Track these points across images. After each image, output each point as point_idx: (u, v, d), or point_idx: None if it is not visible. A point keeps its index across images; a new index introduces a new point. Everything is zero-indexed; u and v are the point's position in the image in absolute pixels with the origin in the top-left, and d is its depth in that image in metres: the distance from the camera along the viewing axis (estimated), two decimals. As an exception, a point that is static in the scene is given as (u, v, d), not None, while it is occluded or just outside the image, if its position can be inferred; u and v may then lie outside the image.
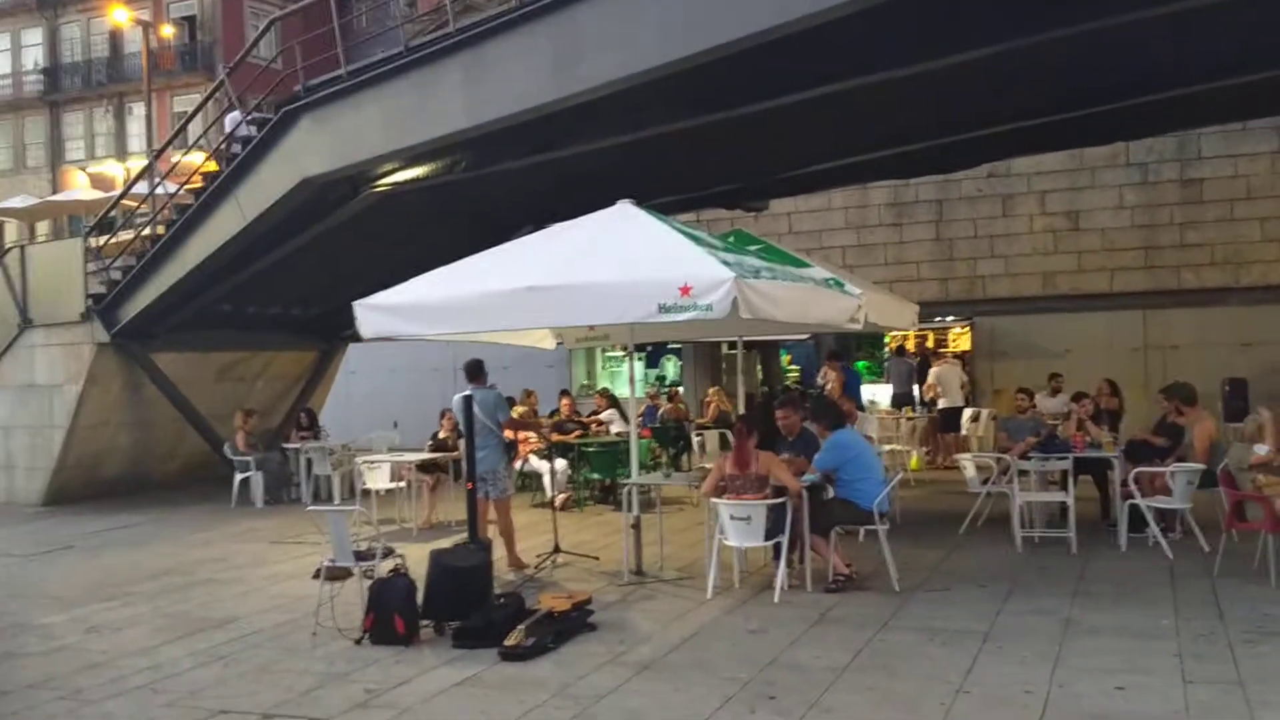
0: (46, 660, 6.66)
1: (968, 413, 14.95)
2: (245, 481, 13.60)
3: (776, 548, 7.61)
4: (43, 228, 35.89)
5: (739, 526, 7.48)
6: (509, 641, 6.18)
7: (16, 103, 38.86)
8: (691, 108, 10.36)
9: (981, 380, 17.13)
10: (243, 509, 13.29)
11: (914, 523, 10.03)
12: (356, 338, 8.34)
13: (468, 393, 8.46)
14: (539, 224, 14.33)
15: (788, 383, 19.01)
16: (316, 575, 7.50)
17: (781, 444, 8.35)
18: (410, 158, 11.60)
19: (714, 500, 7.66)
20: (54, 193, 35.49)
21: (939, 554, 8.83)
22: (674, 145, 11.14)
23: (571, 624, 6.57)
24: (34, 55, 38.57)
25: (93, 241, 15.69)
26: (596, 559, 8.89)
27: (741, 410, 11.02)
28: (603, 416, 13.83)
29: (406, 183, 12.38)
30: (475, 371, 8.82)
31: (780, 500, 7.46)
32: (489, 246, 12.28)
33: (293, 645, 6.76)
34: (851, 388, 13.72)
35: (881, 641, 6.32)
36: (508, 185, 12.90)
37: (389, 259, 14.59)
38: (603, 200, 8.59)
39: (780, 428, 8.43)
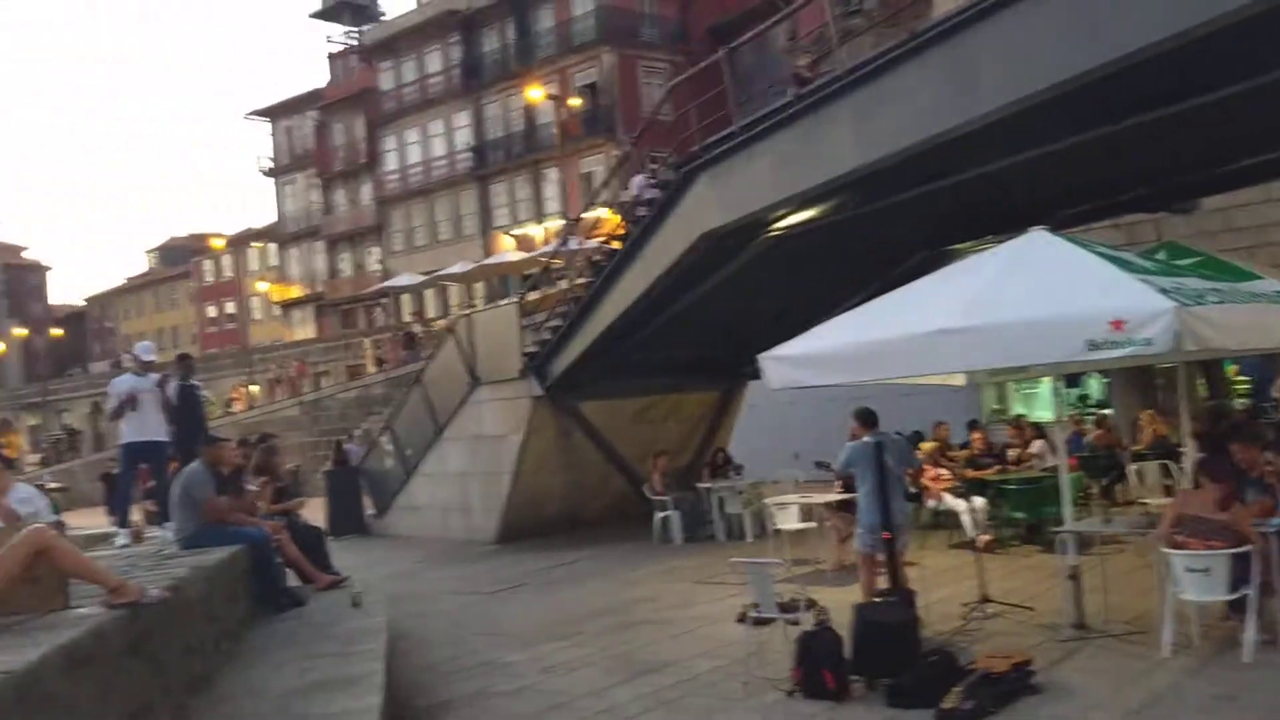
0: (515, 700, 7.41)
1: None
2: (665, 520, 14.41)
3: (1243, 600, 6.73)
4: (478, 288, 40.68)
5: (1197, 579, 6.71)
6: (946, 704, 5.98)
7: (452, 180, 44.49)
8: (1104, 114, 9.54)
9: None
10: (664, 546, 14.09)
11: None
12: (756, 375, 8.42)
13: (876, 439, 8.31)
14: (933, 251, 13.97)
15: (1236, 400, 16.70)
16: (741, 619, 7.69)
17: (1240, 479, 7.39)
18: (801, 202, 11.74)
19: (1165, 549, 6.91)
20: (486, 257, 40.06)
21: None
22: (1083, 153, 10.31)
23: (1011, 687, 6.22)
24: (463, 136, 43.95)
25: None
26: (1031, 609, 8.32)
27: (1186, 434, 9.90)
28: (1034, 449, 12.91)
29: (796, 225, 12.55)
30: (870, 419, 8.56)
31: (1244, 549, 6.59)
32: (879, 278, 12.10)
33: (727, 694, 7.01)
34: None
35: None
36: (899, 216, 12.64)
37: (781, 297, 14.88)
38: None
39: (1240, 463, 7.47)
